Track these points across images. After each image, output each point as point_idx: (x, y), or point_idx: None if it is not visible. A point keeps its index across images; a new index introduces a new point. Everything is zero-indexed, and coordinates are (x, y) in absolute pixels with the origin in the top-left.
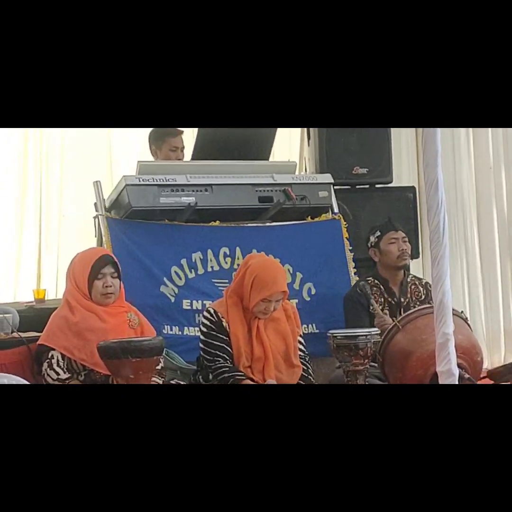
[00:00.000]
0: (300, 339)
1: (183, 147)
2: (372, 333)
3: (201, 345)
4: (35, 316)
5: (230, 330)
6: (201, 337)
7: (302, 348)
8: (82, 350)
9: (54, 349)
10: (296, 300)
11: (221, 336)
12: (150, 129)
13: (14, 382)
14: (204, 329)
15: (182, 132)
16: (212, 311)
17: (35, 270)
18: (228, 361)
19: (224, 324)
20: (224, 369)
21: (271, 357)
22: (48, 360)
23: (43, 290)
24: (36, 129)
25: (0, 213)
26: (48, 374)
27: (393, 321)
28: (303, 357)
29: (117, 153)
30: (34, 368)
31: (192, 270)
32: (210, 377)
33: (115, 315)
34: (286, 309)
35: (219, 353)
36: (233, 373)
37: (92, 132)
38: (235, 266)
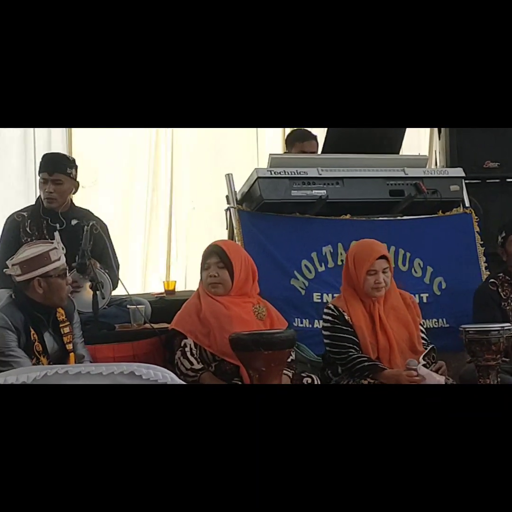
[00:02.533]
0: (421, 327)
1: (313, 152)
2: (505, 328)
3: (326, 340)
4: (165, 307)
5: (353, 323)
6: (326, 332)
7: (424, 336)
8: (207, 337)
9: (185, 337)
10: (427, 294)
11: (346, 328)
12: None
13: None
14: (328, 325)
15: (313, 137)
16: (332, 307)
17: (165, 261)
18: (360, 352)
19: (347, 317)
20: (361, 358)
21: (395, 345)
22: (181, 349)
23: (173, 282)
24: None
25: (133, 206)
26: (181, 363)
27: None
28: (425, 345)
29: (248, 147)
30: (165, 355)
31: (322, 264)
32: (340, 370)
33: (239, 305)
34: (404, 298)
35: (348, 344)
36: (373, 363)
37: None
38: None
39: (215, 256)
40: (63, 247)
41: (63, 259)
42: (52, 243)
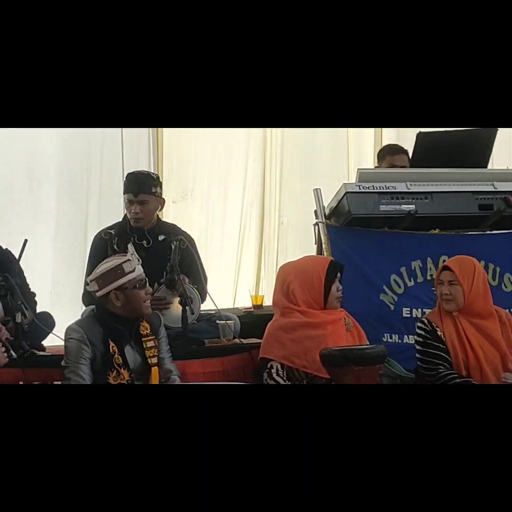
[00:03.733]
0: None
1: (404, 166)
2: None
3: (418, 355)
4: (254, 322)
5: (446, 338)
6: (418, 347)
7: None
8: (303, 357)
9: (273, 359)
10: None
11: (437, 344)
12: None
13: None
14: (420, 339)
15: (404, 151)
16: (425, 321)
17: (255, 276)
18: (450, 368)
19: (439, 333)
20: (452, 375)
21: (485, 365)
22: (267, 370)
23: (261, 297)
24: (259, 136)
25: (225, 220)
26: (268, 384)
27: None
28: None
29: (337, 161)
30: (256, 378)
31: (412, 278)
32: None
33: (334, 322)
34: (500, 316)
35: (438, 361)
36: (464, 379)
37: (311, 140)
38: None
39: (339, 272)
40: (138, 258)
41: (139, 270)
42: (126, 255)
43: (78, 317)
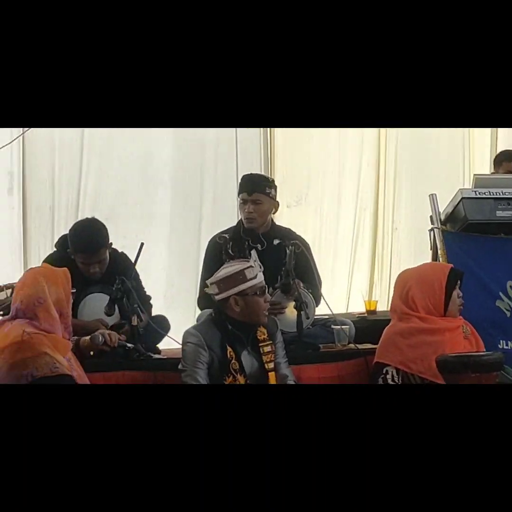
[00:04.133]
0: None
1: None
2: None
3: None
4: (368, 327)
5: None
6: None
7: None
8: (420, 363)
9: (388, 365)
10: None
11: None
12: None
13: None
14: None
15: None
16: None
17: (367, 281)
18: None
19: None
20: None
21: None
22: (382, 376)
23: (374, 302)
24: (373, 140)
25: (339, 225)
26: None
27: None
28: None
29: (452, 167)
30: (371, 383)
31: None
32: None
33: (452, 329)
34: None
35: None
36: None
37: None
38: None
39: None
40: (260, 265)
41: (260, 277)
42: (248, 261)
43: (192, 320)
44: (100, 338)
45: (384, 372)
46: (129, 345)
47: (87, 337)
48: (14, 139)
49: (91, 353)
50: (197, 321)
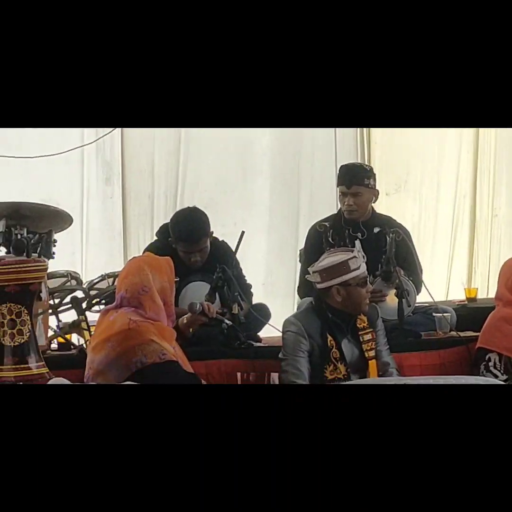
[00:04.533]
0: None
1: None
2: None
3: None
4: (469, 314)
5: None
6: None
7: None
8: None
9: (491, 352)
10: None
11: None
12: None
13: None
14: None
15: None
16: None
17: (467, 269)
18: None
19: None
20: None
21: None
22: (484, 363)
23: (474, 289)
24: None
25: (438, 212)
26: (484, 376)
27: None
28: None
29: None
30: (473, 370)
31: None
32: None
33: None
34: None
35: None
36: None
37: None
38: None
39: None
40: (364, 255)
41: (363, 267)
42: (352, 251)
43: (291, 308)
44: (198, 305)
45: (486, 358)
46: (227, 321)
47: (185, 316)
48: (113, 129)
49: (191, 330)
50: (297, 309)
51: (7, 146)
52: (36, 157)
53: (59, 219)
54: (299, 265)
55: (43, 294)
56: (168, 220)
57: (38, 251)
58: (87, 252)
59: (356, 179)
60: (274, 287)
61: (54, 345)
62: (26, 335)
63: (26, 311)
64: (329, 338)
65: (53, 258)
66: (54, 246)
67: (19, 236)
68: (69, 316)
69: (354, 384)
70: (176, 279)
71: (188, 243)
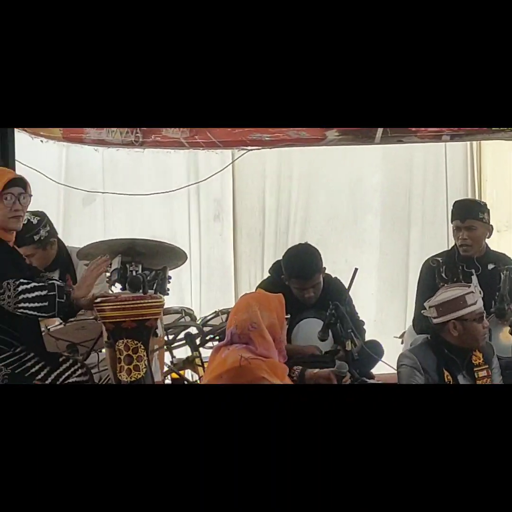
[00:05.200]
0: None
1: None
2: None
3: None
4: None
5: None
6: None
7: None
8: None
9: None
10: None
11: None
12: None
13: None
14: None
15: None
16: None
17: None
18: None
19: None
20: None
21: None
22: None
23: None
24: None
25: None
26: None
27: None
28: None
29: None
30: None
31: None
32: None
33: None
34: None
35: None
36: None
37: None
38: None
39: None
40: (481, 291)
41: (480, 303)
42: (469, 286)
43: (401, 345)
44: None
45: None
46: (343, 370)
47: (315, 370)
48: (226, 167)
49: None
50: (410, 345)
51: (113, 184)
52: (149, 194)
53: (173, 256)
54: (409, 302)
55: (159, 330)
56: (278, 257)
57: (154, 288)
58: (195, 288)
59: (470, 213)
60: (385, 324)
61: (168, 381)
62: (142, 371)
63: (142, 347)
64: (446, 373)
65: (168, 294)
66: (169, 282)
67: (134, 273)
68: (182, 352)
69: (354, 384)
70: (287, 316)
71: (301, 279)
